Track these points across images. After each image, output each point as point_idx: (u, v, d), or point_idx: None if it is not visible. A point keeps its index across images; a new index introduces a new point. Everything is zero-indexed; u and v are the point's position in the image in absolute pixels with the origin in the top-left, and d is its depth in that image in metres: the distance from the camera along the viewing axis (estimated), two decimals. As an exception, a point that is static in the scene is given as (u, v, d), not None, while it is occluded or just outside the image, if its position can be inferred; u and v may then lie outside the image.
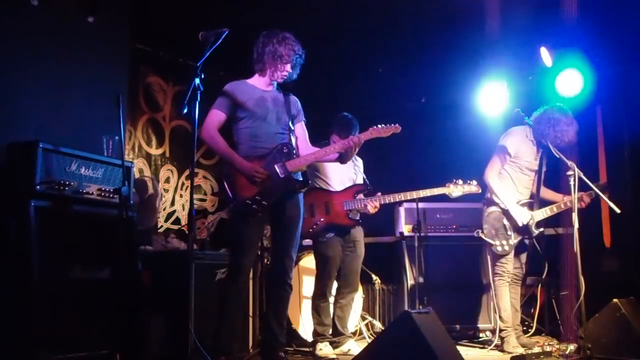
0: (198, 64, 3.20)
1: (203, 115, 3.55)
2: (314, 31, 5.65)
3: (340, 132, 4.61)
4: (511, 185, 4.70)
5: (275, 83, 3.84)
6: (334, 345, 4.55)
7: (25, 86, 4.01)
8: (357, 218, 4.66)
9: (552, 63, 5.57)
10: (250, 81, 3.84)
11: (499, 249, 4.58)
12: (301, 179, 3.81)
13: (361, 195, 4.64)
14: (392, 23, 5.75)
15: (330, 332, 4.60)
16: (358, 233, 4.75)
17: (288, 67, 3.75)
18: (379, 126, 3.82)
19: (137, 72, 5.61)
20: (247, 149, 3.69)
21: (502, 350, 4.56)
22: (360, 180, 4.82)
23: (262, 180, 3.60)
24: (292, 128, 3.84)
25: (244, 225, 3.64)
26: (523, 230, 4.60)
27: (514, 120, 4.72)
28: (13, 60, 3.96)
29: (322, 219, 4.52)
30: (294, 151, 3.78)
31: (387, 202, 4.60)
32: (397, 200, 4.60)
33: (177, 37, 5.44)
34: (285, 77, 3.79)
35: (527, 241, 4.73)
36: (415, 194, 4.57)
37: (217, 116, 3.70)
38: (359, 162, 4.91)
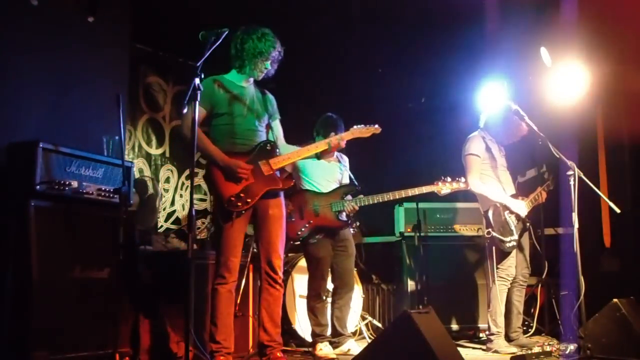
0: (198, 64, 3.20)
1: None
2: (314, 31, 5.67)
3: (325, 132, 4.62)
4: (497, 184, 4.72)
5: (253, 80, 3.83)
6: (334, 345, 4.54)
7: (25, 86, 4.00)
8: (346, 219, 4.61)
9: (552, 63, 5.57)
10: (229, 77, 3.81)
11: (509, 245, 4.54)
12: (285, 177, 3.82)
13: (349, 196, 4.62)
14: (392, 23, 5.75)
15: (329, 331, 4.59)
16: (348, 232, 4.71)
17: (268, 63, 3.74)
18: (360, 126, 3.91)
19: (137, 72, 5.60)
20: (226, 146, 3.66)
21: (496, 351, 4.52)
22: (346, 180, 4.78)
23: (246, 176, 3.60)
24: (271, 126, 3.86)
25: (228, 224, 3.60)
26: (520, 223, 4.62)
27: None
28: (13, 60, 3.95)
29: (310, 221, 4.50)
30: (277, 149, 3.78)
31: (374, 202, 4.53)
32: (385, 200, 4.51)
33: (177, 37, 5.43)
34: (264, 74, 3.78)
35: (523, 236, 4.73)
36: (403, 193, 4.50)
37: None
38: (345, 160, 4.87)
